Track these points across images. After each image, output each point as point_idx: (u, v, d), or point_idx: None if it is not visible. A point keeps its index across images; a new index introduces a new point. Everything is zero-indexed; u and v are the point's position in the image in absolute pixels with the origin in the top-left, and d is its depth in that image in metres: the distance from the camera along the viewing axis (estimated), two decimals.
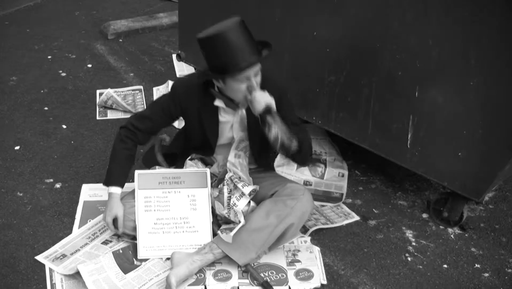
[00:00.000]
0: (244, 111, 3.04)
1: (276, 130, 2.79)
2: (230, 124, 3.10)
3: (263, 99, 2.76)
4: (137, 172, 3.12)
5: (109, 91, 4.71)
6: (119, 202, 3.08)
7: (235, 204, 2.99)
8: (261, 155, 3.24)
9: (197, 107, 3.03)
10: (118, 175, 3.12)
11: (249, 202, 3.02)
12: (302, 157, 3.07)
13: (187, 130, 3.19)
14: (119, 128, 3.16)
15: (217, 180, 3.19)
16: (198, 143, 3.19)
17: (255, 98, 2.77)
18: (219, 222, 3.16)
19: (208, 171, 3.17)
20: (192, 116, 3.08)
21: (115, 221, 3.06)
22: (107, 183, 3.11)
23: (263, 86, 2.83)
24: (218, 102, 2.99)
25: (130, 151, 3.13)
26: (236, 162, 3.11)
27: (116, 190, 3.09)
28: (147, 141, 3.22)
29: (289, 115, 3.03)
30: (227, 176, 3.09)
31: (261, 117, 2.78)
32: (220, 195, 3.09)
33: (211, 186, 3.16)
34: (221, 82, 2.84)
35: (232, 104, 2.96)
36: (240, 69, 2.72)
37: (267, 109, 2.75)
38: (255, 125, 2.98)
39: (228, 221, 3.08)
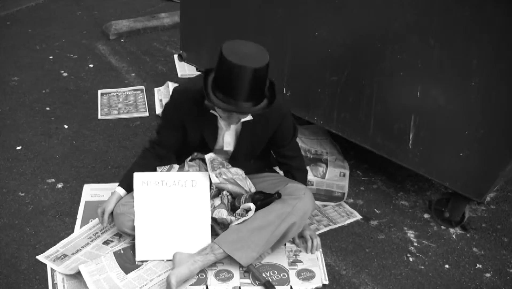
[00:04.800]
0: (240, 123, 3.05)
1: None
2: (224, 131, 3.11)
3: None
4: (135, 174, 3.12)
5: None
6: (113, 200, 3.13)
7: (242, 202, 3.07)
8: (245, 163, 3.26)
9: (196, 113, 3.03)
10: (125, 177, 3.19)
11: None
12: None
13: (186, 134, 3.19)
14: None
15: (213, 193, 3.20)
16: (197, 145, 3.20)
17: None
18: (217, 231, 3.15)
19: (207, 173, 3.17)
20: (192, 122, 3.08)
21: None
22: (120, 183, 3.20)
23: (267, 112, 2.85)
24: (214, 112, 2.99)
25: (145, 160, 3.23)
26: (221, 180, 3.16)
27: (118, 190, 3.15)
28: (168, 153, 3.25)
29: (288, 140, 3.17)
30: (223, 193, 3.18)
31: None
32: (222, 204, 3.12)
33: (210, 198, 3.17)
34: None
35: None
36: (228, 109, 2.74)
37: None
38: (245, 141, 3.09)
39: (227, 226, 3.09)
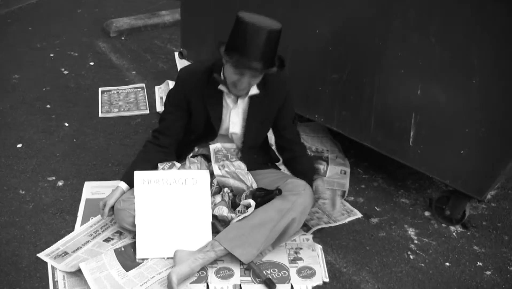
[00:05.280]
0: (247, 101, 3.07)
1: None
2: (231, 109, 3.12)
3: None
4: (136, 172, 3.12)
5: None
6: (116, 194, 3.13)
7: (242, 199, 3.08)
8: (250, 151, 3.27)
9: (201, 92, 3.04)
10: (128, 172, 3.18)
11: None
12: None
13: (190, 121, 3.19)
14: None
15: (214, 191, 3.22)
16: (201, 130, 3.19)
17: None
18: (218, 227, 3.16)
19: (208, 172, 3.17)
20: (197, 102, 3.08)
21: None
22: (122, 178, 3.20)
23: (273, 84, 2.87)
24: (221, 87, 3.00)
25: (147, 154, 3.22)
26: (223, 172, 3.18)
27: (121, 185, 3.16)
28: (171, 144, 3.24)
29: (291, 121, 3.21)
30: (224, 190, 3.21)
31: None
32: (223, 201, 3.14)
33: (211, 195, 3.17)
34: (224, 60, 2.88)
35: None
36: (240, 65, 2.76)
37: None
38: (253, 118, 3.07)
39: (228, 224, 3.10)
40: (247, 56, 2.72)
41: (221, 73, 2.98)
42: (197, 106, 3.09)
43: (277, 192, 2.98)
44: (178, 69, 5.34)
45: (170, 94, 3.18)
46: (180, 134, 3.23)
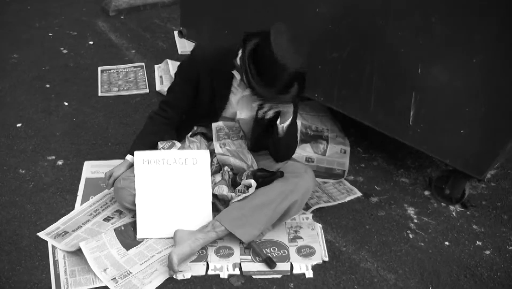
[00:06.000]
0: None
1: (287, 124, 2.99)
2: (239, 98, 3.10)
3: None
4: (136, 152, 3.11)
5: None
6: (122, 166, 3.16)
7: (243, 179, 3.08)
8: (259, 140, 3.24)
9: (213, 71, 3.02)
10: (135, 145, 3.19)
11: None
12: (280, 157, 3.22)
13: (196, 97, 3.16)
14: None
15: (214, 169, 3.21)
16: (205, 110, 3.17)
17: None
18: (218, 206, 3.16)
19: (208, 151, 3.16)
20: (206, 79, 3.05)
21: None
22: (128, 151, 3.20)
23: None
24: (235, 72, 2.98)
25: (155, 126, 3.22)
26: (224, 151, 3.18)
27: (128, 157, 3.17)
28: (177, 117, 3.23)
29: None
30: (224, 169, 3.20)
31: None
32: (223, 180, 3.13)
33: (211, 174, 3.17)
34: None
35: None
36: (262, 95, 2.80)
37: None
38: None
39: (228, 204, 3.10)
40: (270, 86, 2.75)
41: (237, 58, 2.93)
42: (205, 84, 3.06)
43: (279, 174, 2.98)
44: (178, 48, 5.37)
45: (182, 67, 3.15)
46: (185, 108, 3.20)
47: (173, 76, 4.60)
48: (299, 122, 3.68)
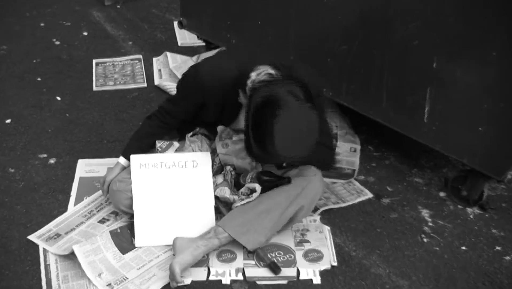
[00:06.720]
0: None
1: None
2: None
3: None
4: (132, 156, 3.11)
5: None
6: (115, 170, 3.16)
7: (247, 181, 3.08)
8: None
9: (222, 99, 2.97)
10: (129, 147, 3.19)
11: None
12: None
13: (201, 111, 3.12)
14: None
15: (215, 169, 3.22)
16: (210, 120, 3.16)
17: None
18: (221, 209, 3.16)
19: (209, 153, 3.17)
20: (215, 104, 3.02)
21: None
22: (122, 153, 3.20)
23: None
24: (242, 100, 2.93)
25: (152, 128, 3.20)
26: (226, 151, 3.17)
27: (121, 160, 3.17)
28: (176, 126, 3.24)
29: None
30: (227, 168, 3.19)
31: None
32: (225, 181, 3.14)
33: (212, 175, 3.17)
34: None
35: None
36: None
37: None
38: None
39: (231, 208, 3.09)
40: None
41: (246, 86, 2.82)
42: (212, 106, 3.03)
43: (287, 180, 2.98)
44: (177, 39, 5.40)
45: (188, 87, 3.04)
46: (188, 119, 3.20)
47: (172, 70, 4.65)
48: None
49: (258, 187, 3.00)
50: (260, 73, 2.70)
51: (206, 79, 2.92)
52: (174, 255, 2.90)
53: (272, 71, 2.71)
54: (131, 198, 3.06)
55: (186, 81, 3.06)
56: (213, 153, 3.21)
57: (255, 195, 2.99)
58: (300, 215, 3.05)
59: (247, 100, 2.66)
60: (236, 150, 3.15)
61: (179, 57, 4.96)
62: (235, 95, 2.90)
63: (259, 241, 2.97)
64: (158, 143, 3.19)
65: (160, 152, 3.19)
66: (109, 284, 2.82)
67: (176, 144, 3.23)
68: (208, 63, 3.02)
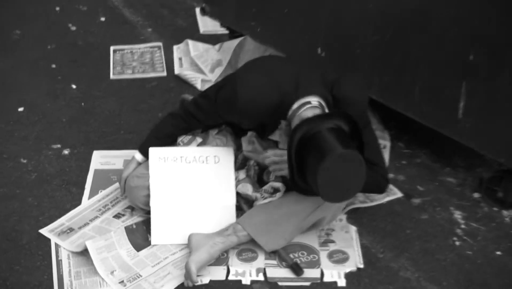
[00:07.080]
0: None
1: None
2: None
3: None
4: (151, 148, 3.09)
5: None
6: (130, 166, 3.15)
7: (271, 179, 3.04)
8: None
9: (258, 120, 2.90)
10: (147, 143, 3.15)
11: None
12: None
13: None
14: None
15: (238, 164, 3.19)
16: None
17: None
18: (242, 206, 3.14)
19: (232, 148, 3.15)
20: (249, 124, 2.98)
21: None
22: (139, 148, 3.18)
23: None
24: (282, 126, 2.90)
25: (175, 129, 3.16)
26: (252, 148, 3.13)
27: (136, 155, 3.16)
28: (201, 128, 3.23)
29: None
30: (250, 163, 3.15)
31: None
32: (247, 177, 3.12)
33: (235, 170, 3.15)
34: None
35: None
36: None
37: None
38: None
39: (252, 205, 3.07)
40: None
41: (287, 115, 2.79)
42: (247, 125, 3.02)
43: None
44: (199, 27, 5.39)
45: (223, 107, 2.93)
46: (216, 126, 3.22)
47: (193, 58, 4.64)
48: None
49: (282, 187, 2.97)
50: (303, 105, 2.68)
51: (244, 107, 2.80)
52: (190, 252, 2.89)
53: (315, 102, 2.68)
54: (149, 195, 3.04)
55: (223, 100, 2.93)
56: (238, 149, 3.18)
57: (278, 195, 2.96)
58: (325, 221, 3.05)
59: (290, 132, 2.63)
60: (263, 148, 3.10)
61: (201, 46, 4.93)
62: (273, 119, 2.88)
63: (278, 244, 2.95)
64: (179, 138, 3.16)
65: (181, 146, 3.17)
66: (122, 281, 2.82)
67: (198, 139, 3.20)
68: (249, 86, 2.83)
